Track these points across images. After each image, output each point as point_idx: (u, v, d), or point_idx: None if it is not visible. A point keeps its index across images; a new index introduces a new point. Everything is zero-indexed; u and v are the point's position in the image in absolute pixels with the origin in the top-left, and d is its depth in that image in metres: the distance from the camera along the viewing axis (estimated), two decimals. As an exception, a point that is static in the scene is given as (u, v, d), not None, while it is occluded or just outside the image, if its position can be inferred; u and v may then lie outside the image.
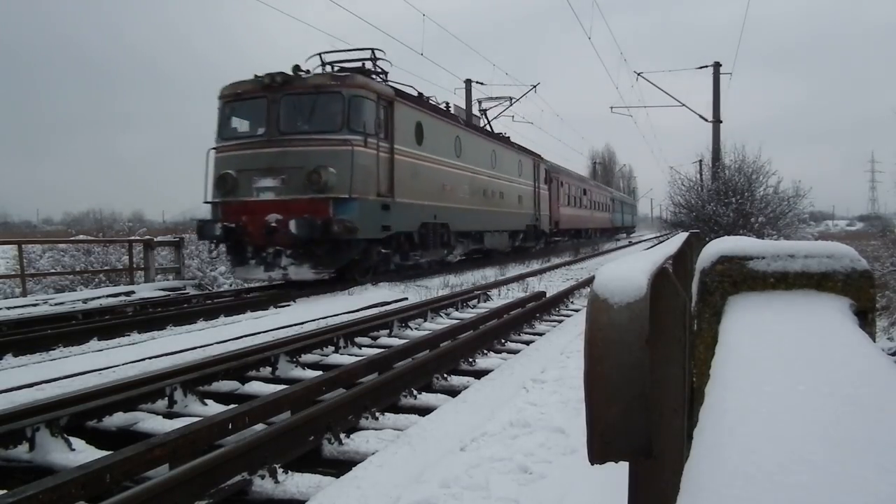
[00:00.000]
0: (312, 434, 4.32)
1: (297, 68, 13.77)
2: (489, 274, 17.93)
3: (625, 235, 62.02)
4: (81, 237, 18.93)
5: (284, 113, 13.37)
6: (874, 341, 0.97)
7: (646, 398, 0.94)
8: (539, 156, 28.92)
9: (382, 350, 7.09)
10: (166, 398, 5.19)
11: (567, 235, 35.64)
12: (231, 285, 15.23)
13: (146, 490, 3.13)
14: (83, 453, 4.05)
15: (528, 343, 8.15)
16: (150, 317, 9.79)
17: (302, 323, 9.45)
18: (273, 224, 12.72)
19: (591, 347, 0.96)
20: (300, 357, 6.80)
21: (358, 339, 7.89)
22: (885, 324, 9.87)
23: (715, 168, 24.47)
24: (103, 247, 16.79)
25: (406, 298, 12.42)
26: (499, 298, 12.52)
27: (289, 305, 11.61)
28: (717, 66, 25.66)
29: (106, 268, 15.94)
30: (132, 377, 5.73)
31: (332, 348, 7.37)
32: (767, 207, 22.28)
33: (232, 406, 4.90)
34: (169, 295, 13.04)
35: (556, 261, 24.09)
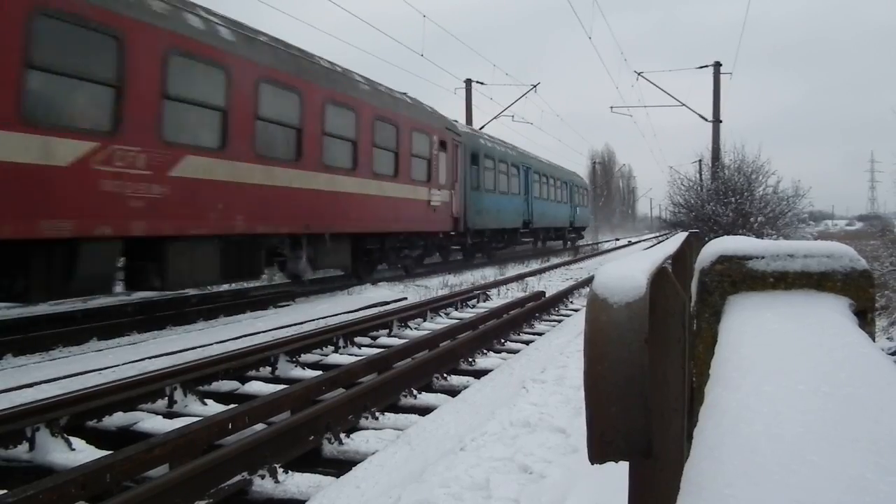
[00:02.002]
0: (312, 434, 4.33)
1: None
2: (488, 274, 17.94)
3: (567, 247, 33.50)
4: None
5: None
6: (874, 341, 0.97)
7: (646, 398, 0.94)
8: None
9: (382, 350, 7.09)
10: (166, 398, 5.19)
11: None
12: (230, 285, 15.20)
13: (146, 490, 3.13)
14: (83, 453, 4.05)
15: (527, 343, 8.15)
16: (149, 317, 9.79)
17: (301, 323, 9.45)
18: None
19: (591, 347, 0.96)
20: (300, 357, 6.80)
21: (357, 339, 7.89)
22: (885, 323, 9.90)
23: (714, 168, 24.50)
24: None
25: (405, 298, 12.42)
26: (498, 298, 12.52)
27: (288, 305, 11.61)
28: (717, 65, 25.68)
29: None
30: (132, 377, 5.73)
31: (332, 348, 7.37)
32: (767, 207, 22.31)
33: (232, 406, 4.90)
34: (168, 295, 13.02)
35: (555, 261, 24.11)
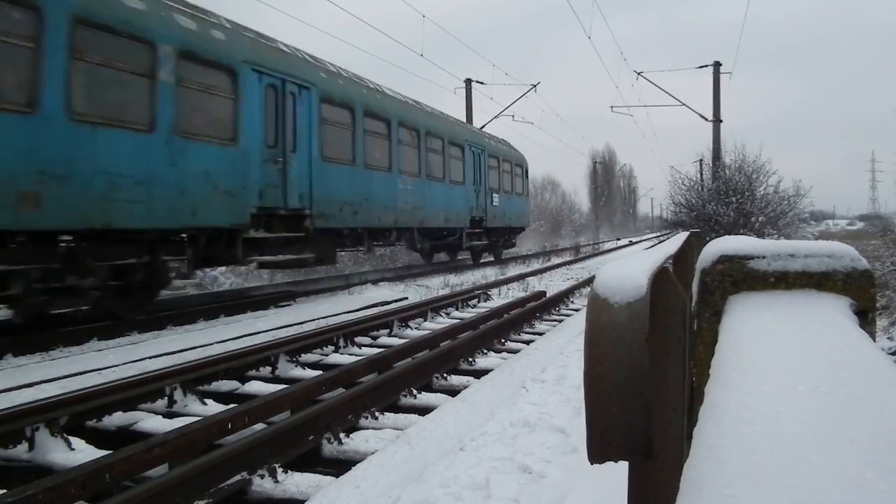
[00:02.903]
0: (312, 434, 4.32)
1: None
2: (489, 273, 17.94)
3: (476, 264, 21.23)
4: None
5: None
6: (874, 341, 0.97)
7: (646, 397, 0.94)
8: None
9: (382, 350, 7.09)
10: (166, 398, 5.19)
11: None
12: (231, 285, 15.23)
13: (146, 490, 3.13)
14: (83, 453, 4.05)
15: (528, 343, 8.15)
16: (150, 316, 9.79)
17: (302, 323, 9.44)
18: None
19: (591, 346, 0.96)
20: (300, 357, 6.79)
21: (358, 339, 7.89)
22: (885, 323, 9.89)
23: (715, 167, 24.52)
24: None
25: (406, 298, 12.43)
26: (499, 298, 12.51)
27: (289, 305, 11.61)
28: (716, 65, 25.69)
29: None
30: (132, 377, 5.73)
31: (332, 348, 7.37)
32: (768, 207, 22.33)
33: (232, 406, 4.90)
34: (169, 294, 13.02)
35: (556, 260, 24.10)
